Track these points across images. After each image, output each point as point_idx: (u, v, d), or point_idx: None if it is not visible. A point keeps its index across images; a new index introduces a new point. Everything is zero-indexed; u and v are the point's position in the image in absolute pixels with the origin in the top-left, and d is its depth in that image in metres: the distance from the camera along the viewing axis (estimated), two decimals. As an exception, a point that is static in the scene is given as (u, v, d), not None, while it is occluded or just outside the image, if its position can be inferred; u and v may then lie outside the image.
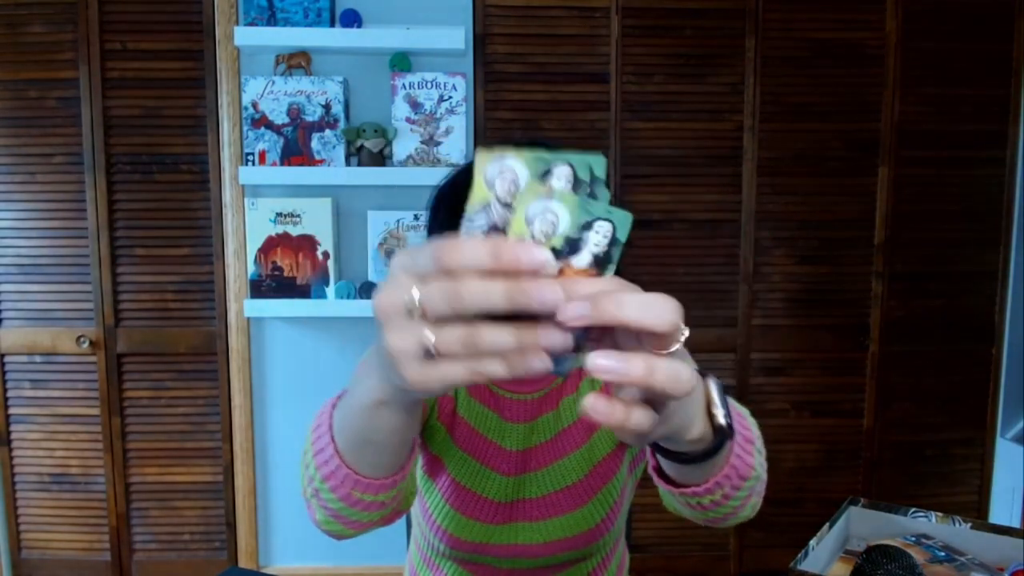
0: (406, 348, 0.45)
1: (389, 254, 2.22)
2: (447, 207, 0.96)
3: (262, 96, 2.16)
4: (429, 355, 0.44)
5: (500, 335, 0.43)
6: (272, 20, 2.16)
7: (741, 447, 0.62)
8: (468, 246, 0.43)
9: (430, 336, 0.44)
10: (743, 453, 0.62)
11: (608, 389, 0.50)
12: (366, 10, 2.19)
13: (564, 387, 1.03)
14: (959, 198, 2.39)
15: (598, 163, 0.48)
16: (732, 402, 0.63)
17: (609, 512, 1.02)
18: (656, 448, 0.59)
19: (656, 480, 0.66)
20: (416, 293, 0.44)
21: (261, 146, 2.17)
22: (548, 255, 0.44)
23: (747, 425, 0.65)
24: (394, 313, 0.45)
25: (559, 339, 0.44)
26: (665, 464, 0.63)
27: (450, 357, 0.44)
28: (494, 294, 0.43)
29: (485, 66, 2.27)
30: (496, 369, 0.44)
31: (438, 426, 1.01)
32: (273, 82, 2.15)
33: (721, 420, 0.55)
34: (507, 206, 0.47)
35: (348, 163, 2.19)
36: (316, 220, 2.18)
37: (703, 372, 0.56)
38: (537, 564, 1.02)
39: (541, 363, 0.44)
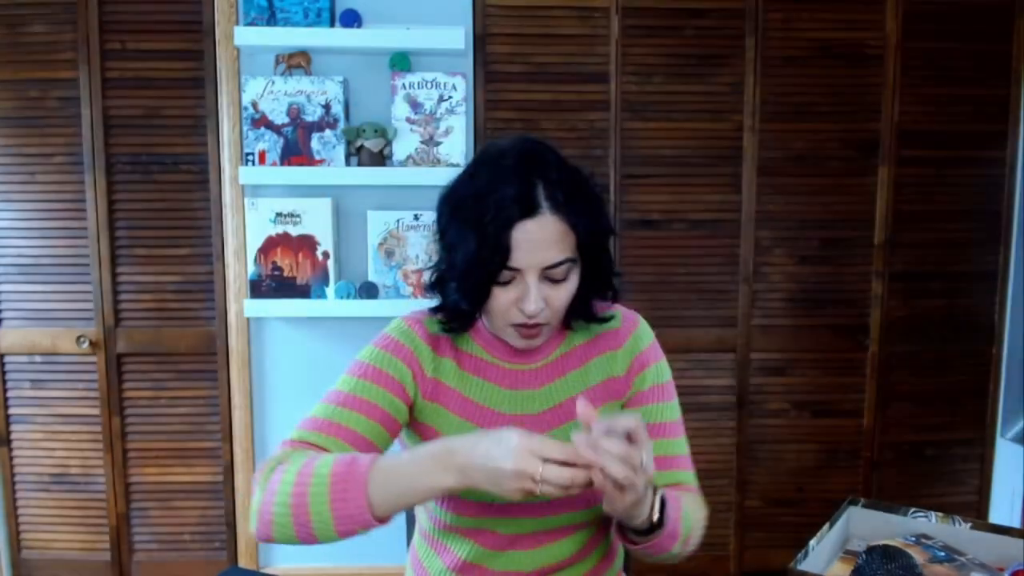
0: (522, 489, 0.79)
1: (389, 254, 2.22)
2: (456, 209, 0.98)
3: (262, 96, 2.16)
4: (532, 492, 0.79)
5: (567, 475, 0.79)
6: (272, 20, 2.16)
7: (668, 535, 0.95)
8: (567, 451, 0.79)
9: (543, 486, 0.78)
10: (667, 539, 0.95)
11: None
12: (366, 10, 2.19)
13: (568, 361, 1.08)
14: (959, 198, 2.39)
15: None
16: (687, 503, 1.01)
17: None
18: (619, 525, 0.97)
19: (616, 536, 1.01)
20: (540, 468, 0.78)
21: (261, 146, 2.17)
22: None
23: (678, 525, 0.96)
24: (526, 475, 0.78)
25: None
26: (621, 531, 0.98)
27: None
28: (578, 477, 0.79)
29: (485, 66, 2.27)
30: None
31: (424, 404, 1.05)
32: (273, 82, 2.15)
33: (654, 519, 0.91)
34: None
35: (348, 163, 2.19)
36: (316, 220, 2.18)
37: (655, 489, 0.91)
38: (539, 527, 1.05)
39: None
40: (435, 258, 1.04)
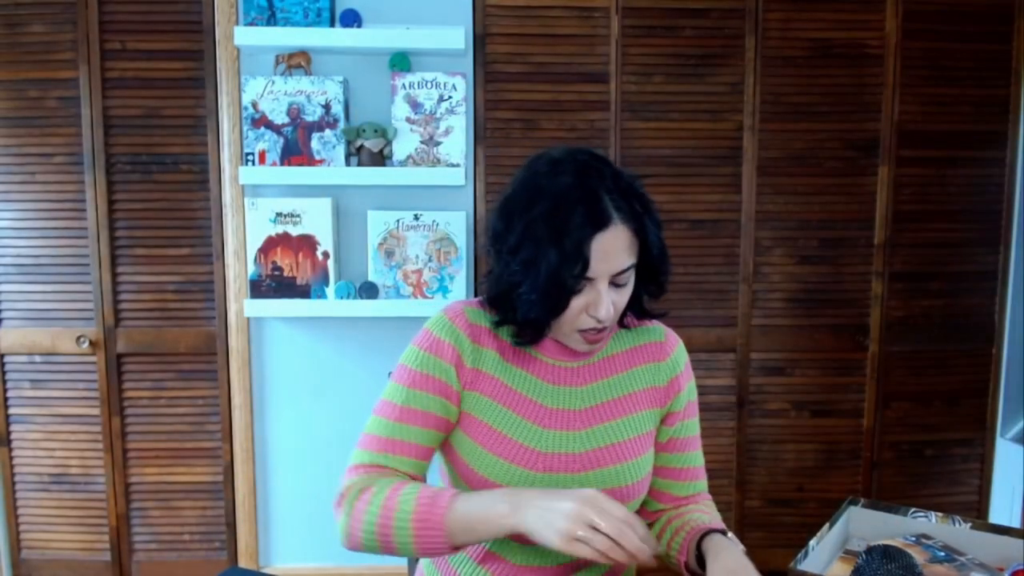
0: (569, 534, 0.86)
1: (389, 254, 2.22)
2: (529, 228, 1.01)
3: (262, 96, 2.16)
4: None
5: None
6: (272, 20, 2.16)
7: None
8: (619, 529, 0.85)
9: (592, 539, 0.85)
10: None
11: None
12: (366, 10, 2.19)
13: (611, 365, 1.14)
14: (959, 198, 2.39)
15: None
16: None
17: (642, 479, 1.11)
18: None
19: (684, 572, 1.10)
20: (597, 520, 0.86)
21: (261, 146, 2.17)
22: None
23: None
24: (581, 519, 0.86)
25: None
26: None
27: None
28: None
29: (485, 66, 2.27)
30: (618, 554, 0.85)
31: (466, 394, 1.08)
32: (273, 82, 2.15)
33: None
34: None
35: (348, 163, 2.19)
36: (316, 220, 2.18)
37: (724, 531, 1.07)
38: None
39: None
40: (490, 273, 1.09)
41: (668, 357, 1.17)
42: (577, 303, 1.01)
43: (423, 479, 1.08)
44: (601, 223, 0.97)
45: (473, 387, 1.08)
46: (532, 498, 0.89)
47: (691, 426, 1.19)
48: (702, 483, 1.21)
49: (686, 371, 1.19)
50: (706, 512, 1.17)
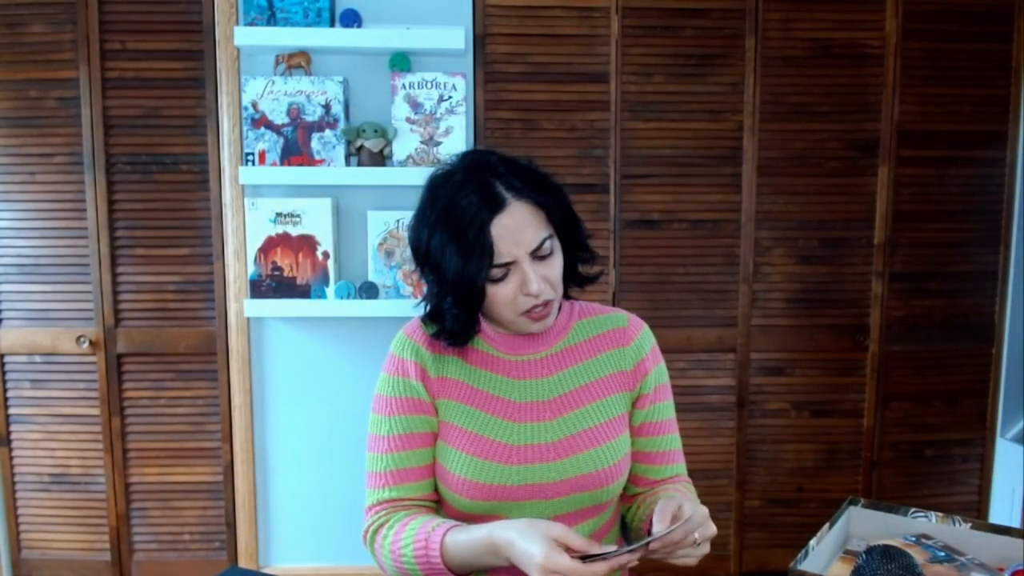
0: None
1: (389, 254, 2.22)
2: (432, 233, 1.05)
3: (262, 96, 2.16)
4: None
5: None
6: (272, 20, 2.16)
7: None
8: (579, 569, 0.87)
9: None
10: None
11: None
12: (366, 10, 2.19)
13: (575, 353, 1.15)
14: (959, 198, 2.39)
15: None
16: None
17: (619, 461, 1.12)
18: None
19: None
20: None
21: (261, 146, 2.17)
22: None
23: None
24: None
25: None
26: None
27: None
28: None
29: (485, 66, 2.27)
30: None
31: (438, 403, 1.12)
32: (273, 82, 2.15)
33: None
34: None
35: (348, 163, 2.19)
36: (316, 220, 2.18)
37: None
38: (547, 512, 1.09)
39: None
40: (424, 291, 1.13)
41: (632, 341, 1.18)
42: (507, 289, 1.05)
43: (436, 495, 1.13)
44: (496, 206, 1.02)
45: (442, 395, 1.11)
46: (513, 556, 0.93)
47: (663, 409, 1.20)
48: (680, 466, 1.22)
49: (652, 354, 1.20)
50: (680, 492, 1.17)
